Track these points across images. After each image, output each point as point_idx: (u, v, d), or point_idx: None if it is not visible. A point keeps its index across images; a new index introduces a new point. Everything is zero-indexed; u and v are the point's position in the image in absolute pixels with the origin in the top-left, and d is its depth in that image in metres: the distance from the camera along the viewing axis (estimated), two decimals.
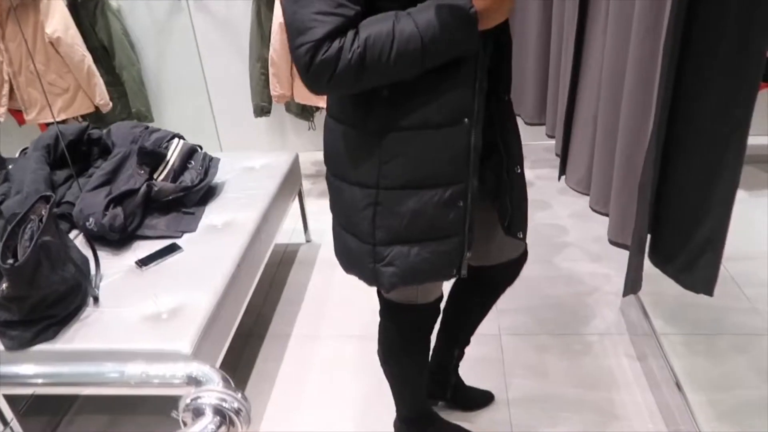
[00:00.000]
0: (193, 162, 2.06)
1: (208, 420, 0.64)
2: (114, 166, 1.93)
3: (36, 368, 0.81)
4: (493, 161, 1.24)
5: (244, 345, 2.05)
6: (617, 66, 2.00)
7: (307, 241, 2.64)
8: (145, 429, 1.76)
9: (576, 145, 2.38)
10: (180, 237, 1.87)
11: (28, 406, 1.79)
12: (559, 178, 2.60)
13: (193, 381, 0.73)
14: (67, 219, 1.90)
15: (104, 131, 2.15)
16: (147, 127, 2.13)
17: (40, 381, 0.78)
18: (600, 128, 2.17)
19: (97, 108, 2.84)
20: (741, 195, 2.29)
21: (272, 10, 2.61)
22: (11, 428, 1.55)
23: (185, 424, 0.65)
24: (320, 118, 2.95)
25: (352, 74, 0.96)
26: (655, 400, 1.70)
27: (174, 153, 2.00)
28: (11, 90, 2.77)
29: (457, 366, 1.70)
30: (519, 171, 1.24)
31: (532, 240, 2.49)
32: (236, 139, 3.22)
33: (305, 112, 2.92)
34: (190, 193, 1.97)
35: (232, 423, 0.65)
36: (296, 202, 2.52)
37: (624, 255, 1.87)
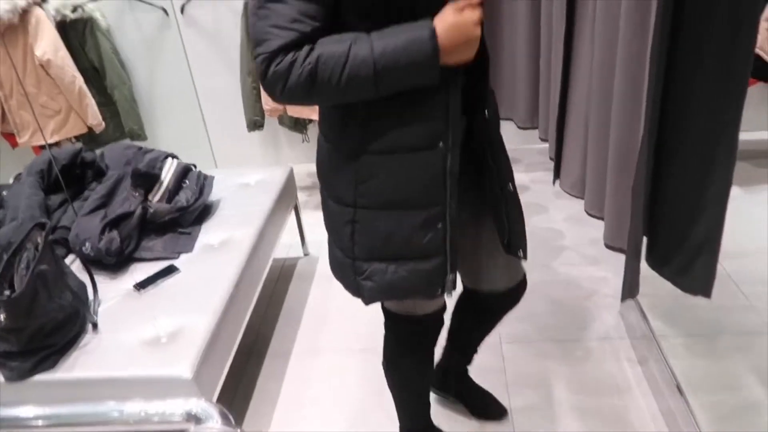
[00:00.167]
0: (187, 181, 2.05)
1: None
2: (108, 189, 1.93)
3: (36, 410, 0.81)
4: (486, 179, 1.24)
5: (245, 364, 2.04)
6: (606, 67, 2.01)
7: (305, 254, 2.65)
8: None
9: (569, 149, 2.39)
10: (177, 258, 1.87)
11: None
12: (554, 182, 2.60)
13: (193, 418, 0.73)
14: (63, 244, 1.90)
15: (98, 154, 2.14)
16: (140, 148, 2.13)
17: (40, 423, 0.78)
18: (591, 131, 2.18)
19: (90, 128, 2.84)
20: (736, 192, 2.30)
21: None
22: None
23: None
24: (313, 130, 2.96)
25: (303, 89, 0.97)
26: (657, 404, 1.71)
27: (168, 173, 2.00)
28: (3, 113, 2.77)
29: (461, 373, 1.72)
30: (511, 188, 1.23)
31: (529, 244, 2.50)
32: (231, 154, 3.22)
33: (298, 125, 2.92)
34: (185, 213, 1.97)
35: None
36: (293, 216, 2.52)
37: (621, 257, 1.88)
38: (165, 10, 2.84)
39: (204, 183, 2.09)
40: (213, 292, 1.70)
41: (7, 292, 1.38)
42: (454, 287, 1.20)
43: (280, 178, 2.38)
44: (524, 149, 3.11)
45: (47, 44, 2.61)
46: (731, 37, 1.27)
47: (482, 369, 1.82)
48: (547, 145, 2.79)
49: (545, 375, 1.84)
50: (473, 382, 1.76)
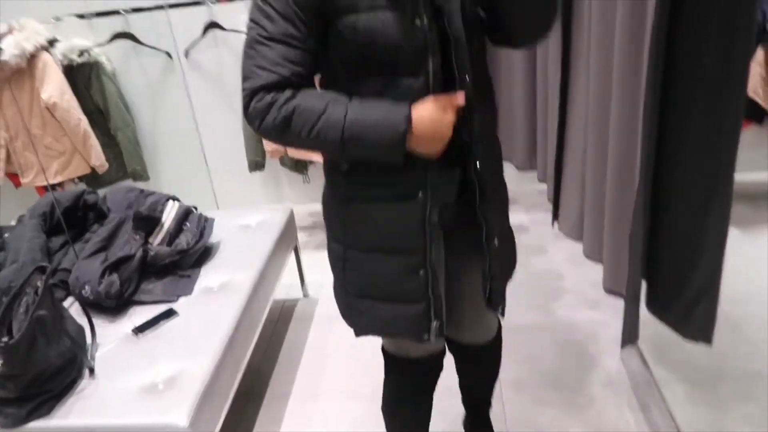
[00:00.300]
0: (188, 224, 2.07)
1: None
2: (109, 232, 1.94)
3: None
4: (473, 230, 1.23)
5: (243, 407, 2.02)
6: (601, 113, 2.04)
7: (305, 295, 2.64)
8: None
9: (566, 192, 2.42)
10: (176, 301, 1.87)
11: None
12: (553, 224, 2.62)
13: None
14: (63, 286, 1.90)
15: (100, 196, 2.16)
16: (142, 191, 2.15)
17: None
18: (589, 175, 2.20)
19: (93, 169, 2.87)
20: (735, 233, 2.30)
21: None
22: None
23: None
24: (314, 171, 2.98)
25: (276, 131, 1.04)
26: None
27: (169, 216, 2.02)
28: (8, 154, 2.81)
29: (474, 421, 1.70)
30: (496, 244, 1.22)
31: (529, 286, 2.50)
32: (232, 194, 3.24)
33: (299, 166, 2.95)
34: (186, 256, 1.97)
35: None
36: (293, 256, 2.53)
37: (622, 300, 1.87)
38: (169, 54, 2.91)
39: (205, 225, 2.11)
40: (212, 335, 1.69)
41: (5, 339, 1.38)
42: (440, 334, 1.21)
43: (280, 219, 2.39)
44: (524, 190, 3.13)
45: (54, 88, 2.66)
46: (723, 80, 1.30)
47: None
48: (545, 186, 2.82)
49: (547, 423, 1.82)
50: None
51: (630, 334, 1.69)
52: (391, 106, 1.02)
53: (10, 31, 2.62)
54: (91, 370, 1.58)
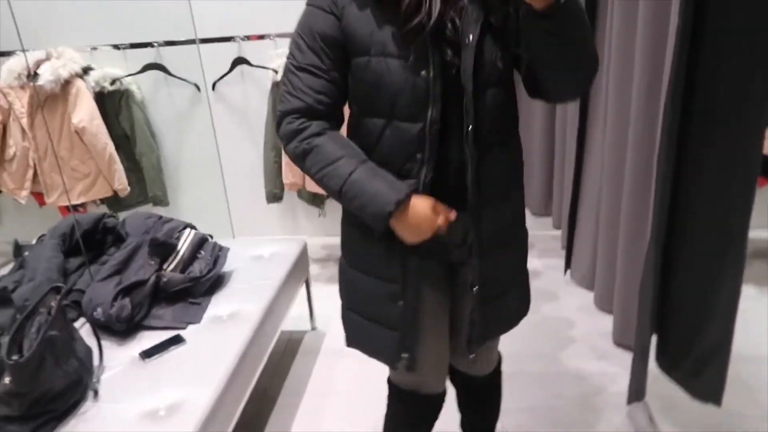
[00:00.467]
0: (203, 252, 2.10)
1: None
2: (126, 256, 1.98)
3: None
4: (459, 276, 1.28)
5: None
6: (616, 171, 2.05)
7: (313, 328, 2.64)
8: None
9: (580, 241, 2.41)
10: (185, 328, 1.89)
11: None
12: (565, 272, 2.61)
13: None
14: (76, 307, 1.93)
15: (119, 221, 2.21)
16: (160, 218, 2.20)
17: None
18: (602, 227, 2.20)
19: (115, 192, 2.95)
20: (751, 291, 2.27)
21: None
22: None
23: None
24: (330, 205, 3.02)
25: (295, 158, 1.17)
26: None
27: (185, 243, 2.06)
28: (35, 174, 2.90)
29: None
30: (475, 291, 1.23)
31: (538, 333, 2.47)
32: (249, 224, 3.29)
33: (316, 200, 2.99)
34: (197, 284, 2.00)
35: None
36: (304, 288, 2.54)
37: (631, 354, 1.84)
38: (197, 86, 3.00)
39: (219, 254, 2.14)
40: (217, 365, 1.70)
41: (15, 357, 1.40)
42: (410, 368, 1.26)
43: (293, 251, 2.42)
44: (538, 235, 3.13)
45: (84, 113, 2.75)
46: (739, 138, 1.30)
47: None
48: (560, 232, 2.82)
49: None
50: None
51: (637, 392, 1.66)
52: (393, 185, 1.10)
53: (48, 57, 2.73)
54: (96, 393, 1.59)
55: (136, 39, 2.91)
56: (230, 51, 2.89)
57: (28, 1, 2.84)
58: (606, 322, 2.38)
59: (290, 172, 2.81)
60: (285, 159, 2.79)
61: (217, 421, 1.58)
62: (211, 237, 2.24)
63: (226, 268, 2.20)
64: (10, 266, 2.15)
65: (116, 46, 2.92)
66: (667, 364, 1.65)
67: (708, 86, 1.34)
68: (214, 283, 2.10)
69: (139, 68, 2.92)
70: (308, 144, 1.13)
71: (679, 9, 1.32)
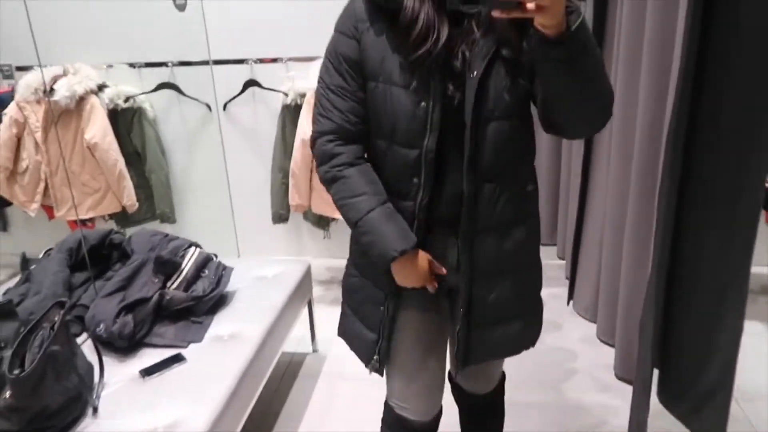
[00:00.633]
0: (206, 271, 2.12)
1: None
2: (130, 273, 1.99)
3: None
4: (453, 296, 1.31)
5: None
6: (619, 202, 2.06)
7: (314, 350, 2.64)
8: None
9: (583, 272, 2.41)
10: (186, 347, 1.90)
11: None
12: (568, 303, 2.59)
13: None
14: (79, 322, 1.94)
15: (126, 237, 2.24)
16: (166, 236, 2.22)
17: None
18: (605, 258, 2.20)
19: (123, 207, 2.98)
20: (757, 327, 2.25)
21: (296, 126, 2.77)
22: None
23: None
24: (335, 228, 3.03)
25: (324, 181, 1.23)
26: None
27: (189, 262, 2.07)
28: (46, 188, 2.94)
29: None
30: (462, 311, 1.25)
31: (540, 363, 2.46)
32: (254, 243, 3.31)
33: (321, 222, 3.01)
34: (200, 303, 2.01)
35: None
36: (306, 308, 2.54)
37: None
38: (209, 106, 3.05)
39: (222, 274, 2.15)
40: (216, 384, 1.70)
41: (16, 371, 1.41)
42: (378, 371, 1.33)
43: (297, 273, 2.43)
44: (543, 264, 3.12)
45: (97, 129, 2.80)
46: (741, 171, 1.31)
47: None
48: (565, 261, 2.81)
49: None
50: None
51: (638, 426, 1.64)
52: (402, 233, 1.17)
53: (65, 73, 2.79)
54: (95, 409, 1.60)
55: (151, 58, 2.97)
56: (242, 73, 2.94)
57: (47, 17, 2.91)
58: (608, 355, 2.35)
59: (297, 194, 2.83)
60: (292, 180, 2.81)
61: None
62: (216, 256, 2.26)
63: (230, 287, 2.21)
64: (17, 278, 2.17)
65: (131, 65, 2.98)
66: (669, 399, 1.63)
67: (710, 126, 1.35)
68: (217, 302, 2.11)
69: (152, 87, 2.97)
70: (339, 172, 1.19)
71: (680, 55, 1.33)
